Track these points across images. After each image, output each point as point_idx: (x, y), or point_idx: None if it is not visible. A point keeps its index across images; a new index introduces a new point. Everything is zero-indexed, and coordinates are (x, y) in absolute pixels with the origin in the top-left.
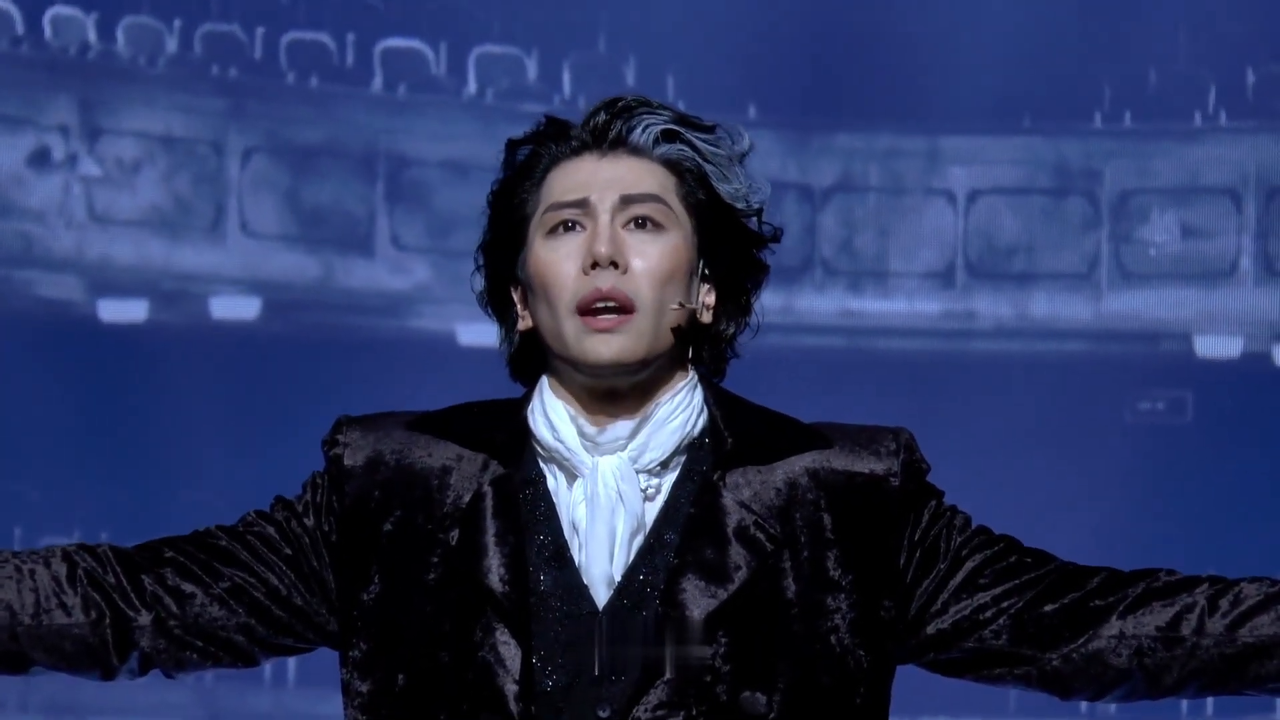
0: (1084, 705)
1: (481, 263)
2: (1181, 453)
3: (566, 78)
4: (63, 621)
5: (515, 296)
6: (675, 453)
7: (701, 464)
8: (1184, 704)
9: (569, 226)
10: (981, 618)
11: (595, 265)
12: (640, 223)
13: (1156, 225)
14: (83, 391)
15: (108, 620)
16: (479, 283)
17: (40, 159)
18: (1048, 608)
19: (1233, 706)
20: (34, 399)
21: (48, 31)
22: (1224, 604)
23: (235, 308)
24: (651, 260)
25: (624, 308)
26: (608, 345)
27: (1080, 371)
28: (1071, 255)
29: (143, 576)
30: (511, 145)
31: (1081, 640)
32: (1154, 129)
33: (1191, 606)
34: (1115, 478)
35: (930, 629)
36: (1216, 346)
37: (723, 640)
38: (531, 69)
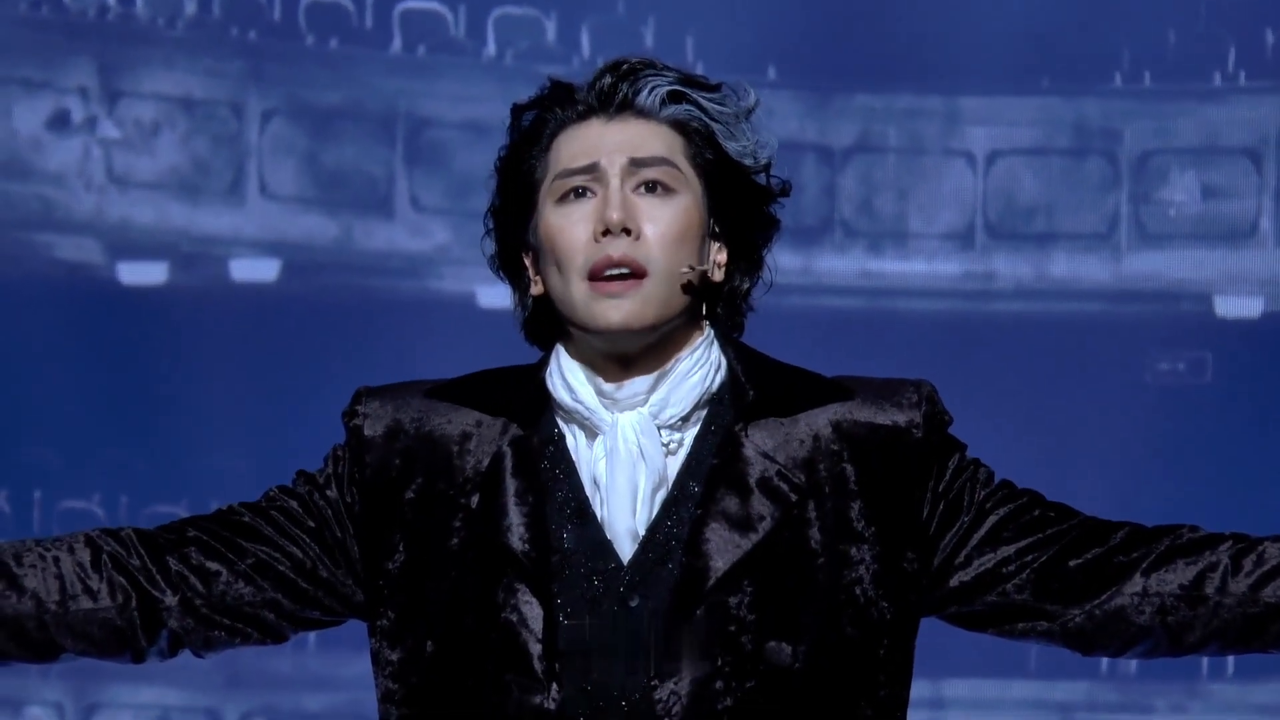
0: (1104, 663)
1: (491, 226)
2: (1201, 413)
3: (585, 39)
4: (89, 606)
5: (526, 261)
6: (695, 408)
7: (723, 418)
8: (1204, 661)
9: (579, 193)
10: (1004, 571)
11: (607, 232)
12: (650, 186)
13: (1176, 186)
14: (103, 354)
15: (134, 603)
16: (489, 246)
17: (59, 122)
18: (1071, 563)
19: (1254, 663)
20: (54, 362)
21: None
22: (1247, 563)
23: (255, 270)
24: (662, 224)
25: (636, 273)
26: (618, 310)
27: (1100, 332)
28: (1091, 216)
29: (167, 557)
30: (517, 110)
31: (1104, 597)
32: (1173, 89)
33: (1215, 565)
34: (1135, 438)
35: (953, 581)
36: (1236, 307)
37: (748, 590)
38: (550, 30)
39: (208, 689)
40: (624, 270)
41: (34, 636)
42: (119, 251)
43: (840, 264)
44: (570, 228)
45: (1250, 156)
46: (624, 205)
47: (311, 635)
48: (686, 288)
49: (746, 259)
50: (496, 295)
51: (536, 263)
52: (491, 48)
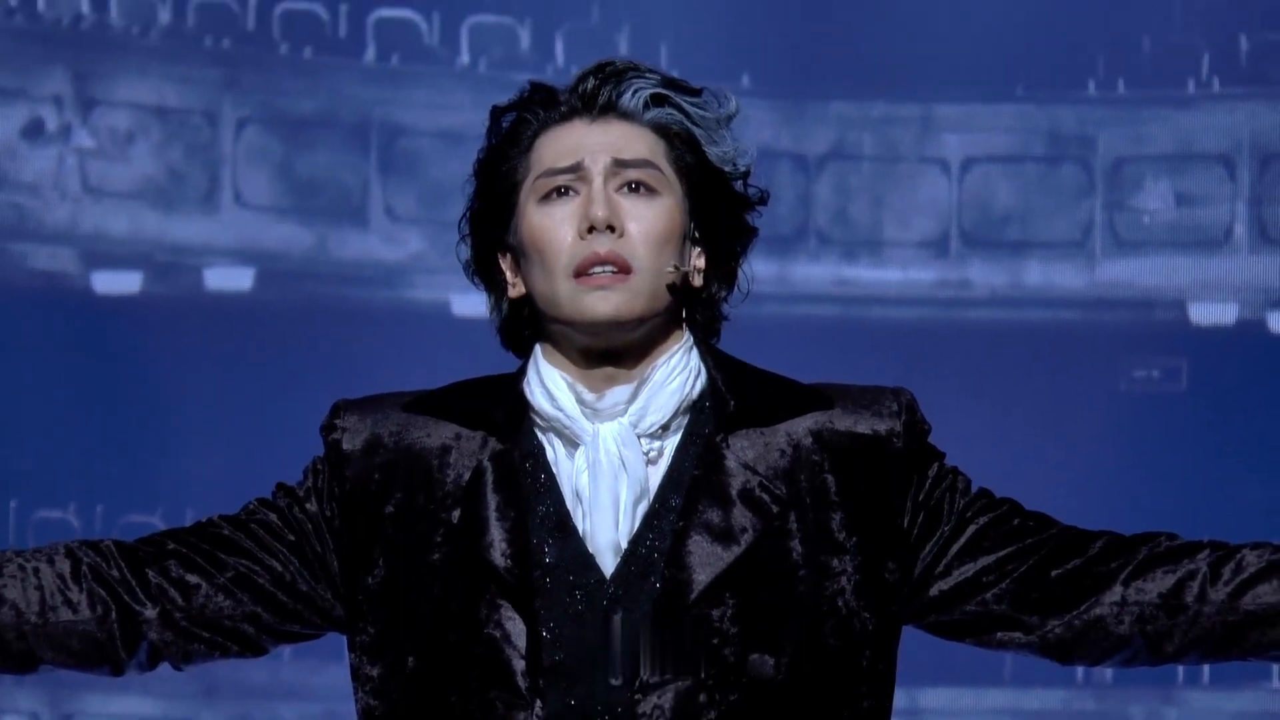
0: (1080, 670)
1: (467, 232)
2: (1176, 420)
3: (560, 47)
4: (69, 618)
5: (504, 264)
6: (675, 415)
7: (703, 426)
8: (1180, 669)
9: (563, 192)
10: (984, 581)
11: (592, 229)
12: (634, 187)
13: (1150, 193)
14: (77, 363)
15: (114, 615)
16: (464, 252)
17: (34, 131)
18: (1051, 573)
19: (1229, 671)
20: (28, 371)
21: (41, 3)
22: (1226, 571)
23: (229, 278)
24: (646, 223)
25: (622, 269)
26: (606, 301)
27: (1074, 339)
28: (1065, 223)
29: (147, 570)
30: (497, 112)
31: (1084, 607)
32: (1148, 96)
33: (1194, 573)
34: (1110, 445)
35: (933, 591)
36: (1211, 314)
37: (730, 602)
38: (525, 38)
39: (184, 699)
40: (610, 267)
41: (13, 647)
42: (93, 261)
43: (815, 272)
44: (555, 226)
45: (1224, 163)
46: (608, 203)
47: (287, 646)
48: (670, 288)
49: (724, 266)
50: (471, 303)
51: (516, 264)
52: (465, 56)
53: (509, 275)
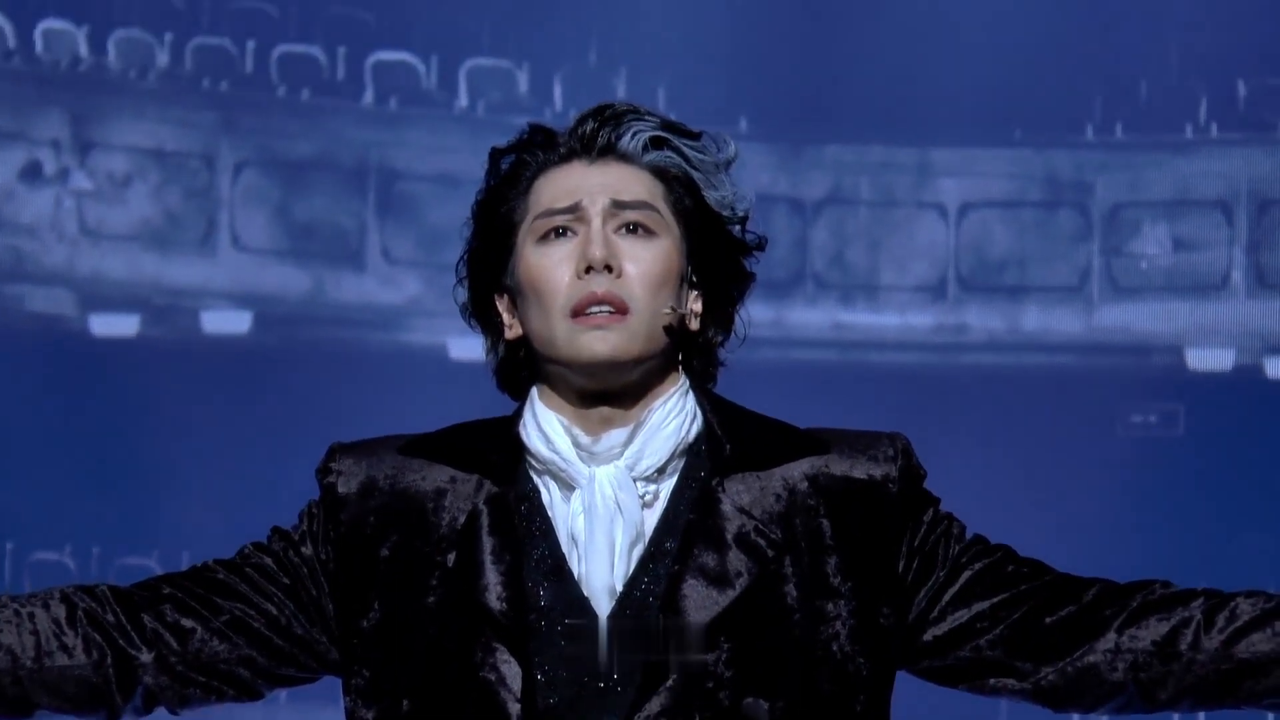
0: (1075, 718)
1: (464, 273)
2: (1173, 465)
3: (558, 90)
4: (64, 663)
5: (501, 305)
6: (671, 458)
7: (699, 470)
8: (1174, 717)
9: (560, 232)
10: (978, 627)
11: (589, 269)
12: (632, 228)
13: (1148, 238)
14: (75, 405)
15: (109, 660)
16: (461, 295)
17: (32, 173)
18: (1045, 620)
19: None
20: (26, 413)
21: (39, 45)
22: (1220, 619)
23: (226, 321)
24: (644, 264)
25: (619, 309)
26: (604, 341)
27: (1072, 384)
28: (1063, 268)
29: (142, 614)
30: (496, 154)
31: (1077, 654)
32: (1145, 141)
33: (1188, 621)
34: (1107, 490)
35: (927, 636)
36: (1208, 359)
37: (725, 646)
38: (523, 81)
39: None
40: (607, 307)
41: (9, 693)
42: (91, 303)
43: (812, 316)
44: (553, 267)
45: (1222, 208)
46: (606, 244)
47: (283, 689)
48: (667, 329)
49: (721, 310)
50: (468, 347)
51: (513, 305)
52: (463, 99)
53: (506, 316)
